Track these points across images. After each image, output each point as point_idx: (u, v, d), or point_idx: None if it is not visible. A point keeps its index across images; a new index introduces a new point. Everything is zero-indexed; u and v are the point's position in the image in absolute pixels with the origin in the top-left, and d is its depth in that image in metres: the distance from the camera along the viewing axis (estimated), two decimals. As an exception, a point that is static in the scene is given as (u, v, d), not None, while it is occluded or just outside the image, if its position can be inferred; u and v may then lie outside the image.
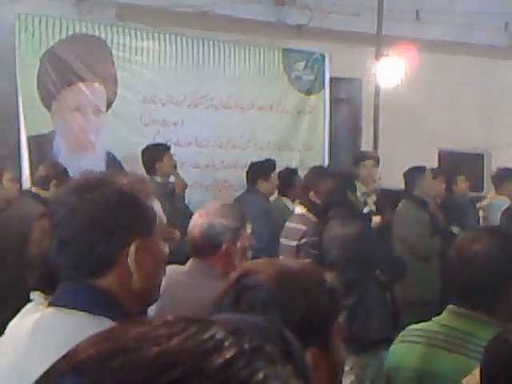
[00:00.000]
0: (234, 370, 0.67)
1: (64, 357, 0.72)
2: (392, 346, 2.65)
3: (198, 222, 3.17)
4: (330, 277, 1.61)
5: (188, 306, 2.81)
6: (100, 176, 1.85)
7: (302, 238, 5.46)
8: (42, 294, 2.09)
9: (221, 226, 3.12)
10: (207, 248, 3.13)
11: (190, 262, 3.20)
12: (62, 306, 1.76)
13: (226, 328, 0.73)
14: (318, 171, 6.16)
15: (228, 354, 0.68)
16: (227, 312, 1.49)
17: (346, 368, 4.77)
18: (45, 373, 0.72)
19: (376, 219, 6.70)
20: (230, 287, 1.56)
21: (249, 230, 3.25)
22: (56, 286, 1.85)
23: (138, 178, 1.92)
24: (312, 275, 1.60)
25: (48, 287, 2.07)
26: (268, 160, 7.32)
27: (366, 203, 6.90)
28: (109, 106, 7.40)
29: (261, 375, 0.68)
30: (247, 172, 7.27)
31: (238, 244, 3.15)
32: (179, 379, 0.65)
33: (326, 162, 8.63)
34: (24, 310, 1.96)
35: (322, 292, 1.56)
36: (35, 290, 2.29)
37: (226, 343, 0.70)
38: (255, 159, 7.42)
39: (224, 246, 3.11)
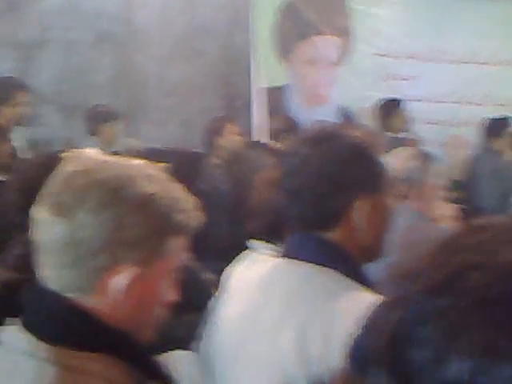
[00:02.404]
0: None
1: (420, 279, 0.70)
2: None
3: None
4: None
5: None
6: (333, 128, 1.84)
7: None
8: (263, 243, 2.12)
9: (411, 168, 3.15)
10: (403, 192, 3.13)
11: None
12: (291, 257, 1.78)
13: None
14: None
15: None
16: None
17: None
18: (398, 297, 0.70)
19: None
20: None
21: (435, 169, 3.23)
22: (279, 235, 1.88)
23: (370, 132, 1.88)
24: None
25: (270, 236, 2.09)
26: (503, 117, 7.00)
27: None
28: (343, 59, 7.37)
29: None
30: (482, 129, 7.01)
31: (430, 181, 3.17)
32: None
33: None
34: (242, 257, 2.00)
35: None
36: (256, 238, 2.34)
37: None
38: (491, 116, 7.13)
39: (417, 186, 3.12)
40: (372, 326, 0.71)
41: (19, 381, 1.26)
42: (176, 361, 2.64)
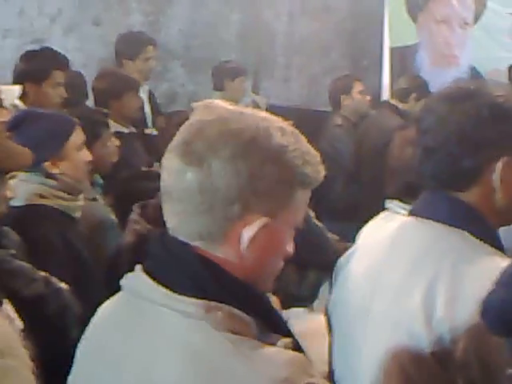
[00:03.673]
0: None
1: None
2: None
3: None
4: None
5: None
6: (474, 86, 1.76)
7: None
8: (400, 203, 2.08)
9: None
10: None
11: None
12: (421, 216, 1.75)
13: None
14: None
15: None
16: None
17: None
18: None
19: None
20: None
21: None
22: (416, 194, 1.85)
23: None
24: None
25: (407, 196, 2.05)
26: None
27: None
28: (476, 18, 7.14)
29: None
30: None
31: None
32: None
33: None
34: (379, 217, 1.98)
35: None
36: (393, 198, 2.30)
37: None
38: None
39: None
40: None
41: (159, 331, 1.30)
42: (297, 317, 2.66)
